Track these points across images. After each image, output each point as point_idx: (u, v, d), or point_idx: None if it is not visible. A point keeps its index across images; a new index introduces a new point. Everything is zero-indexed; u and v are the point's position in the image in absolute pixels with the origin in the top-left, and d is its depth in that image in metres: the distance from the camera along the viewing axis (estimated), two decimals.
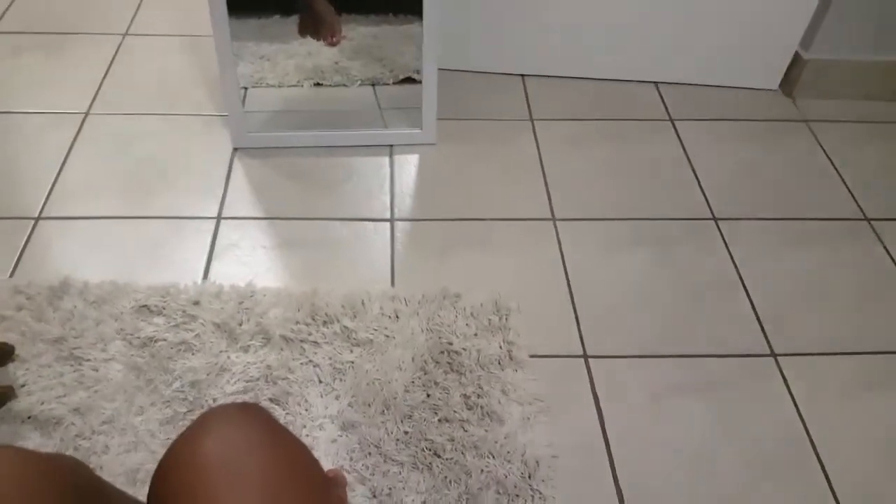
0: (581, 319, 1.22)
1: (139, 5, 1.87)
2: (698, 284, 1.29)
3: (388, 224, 1.37)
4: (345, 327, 1.16)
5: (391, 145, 1.55)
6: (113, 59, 1.69)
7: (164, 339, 1.13)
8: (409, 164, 1.51)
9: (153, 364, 1.10)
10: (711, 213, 1.43)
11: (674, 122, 1.63)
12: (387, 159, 1.52)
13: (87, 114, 1.54)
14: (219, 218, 1.36)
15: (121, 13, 1.83)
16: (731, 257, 1.35)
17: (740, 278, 1.31)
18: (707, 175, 1.51)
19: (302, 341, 1.14)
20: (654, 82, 1.73)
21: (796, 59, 1.68)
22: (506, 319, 1.19)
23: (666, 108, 1.67)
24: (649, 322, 1.23)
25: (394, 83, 1.68)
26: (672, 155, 1.56)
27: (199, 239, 1.32)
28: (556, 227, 1.38)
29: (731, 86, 1.73)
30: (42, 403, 1.05)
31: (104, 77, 1.63)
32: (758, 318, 1.24)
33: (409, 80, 1.68)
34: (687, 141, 1.59)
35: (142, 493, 0.95)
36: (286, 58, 1.70)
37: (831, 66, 1.67)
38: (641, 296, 1.27)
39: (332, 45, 1.76)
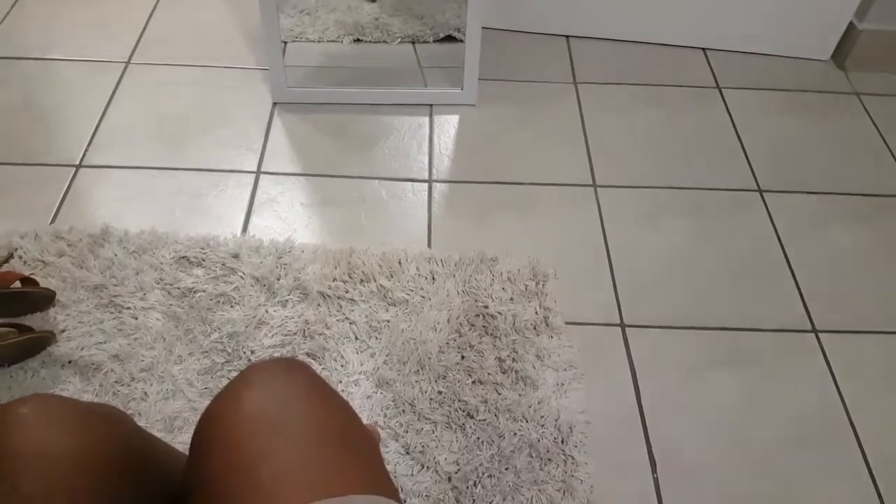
0: (619, 288, 1.21)
1: None
2: (740, 257, 1.27)
3: (426, 185, 1.36)
4: (381, 286, 1.16)
5: (431, 105, 1.52)
6: (154, 7, 1.68)
7: (204, 291, 1.14)
8: (448, 125, 1.49)
9: (192, 314, 1.11)
10: (757, 184, 1.40)
11: (721, 90, 1.59)
12: (426, 119, 1.50)
13: (128, 62, 1.53)
14: (258, 172, 1.35)
15: None
16: (776, 230, 1.31)
17: (784, 252, 1.28)
18: (753, 146, 1.47)
19: (339, 298, 1.15)
20: (702, 48, 1.68)
21: (850, 29, 1.62)
22: (542, 285, 1.18)
23: (713, 75, 1.62)
24: (688, 293, 1.21)
25: (434, 41, 1.65)
26: (718, 124, 1.52)
27: (238, 192, 1.32)
28: (596, 193, 1.36)
29: (782, 55, 1.68)
30: (82, 349, 1.06)
31: (145, 26, 1.63)
32: (800, 294, 1.22)
33: (449, 39, 1.65)
34: (734, 110, 1.54)
35: (178, 439, 0.97)
36: (327, 12, 1.68)
37: (886, 38, 1.60)
38: (681, 266, 1.25)
39: (373, 0, 1.73)
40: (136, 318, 1.10)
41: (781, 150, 1.47)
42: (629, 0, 1.63)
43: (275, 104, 1.49)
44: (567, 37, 1.70)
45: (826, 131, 1.52)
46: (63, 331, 1.09)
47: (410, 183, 1.36)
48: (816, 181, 1.41)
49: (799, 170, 1.43)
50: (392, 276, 1.18)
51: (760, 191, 1.39)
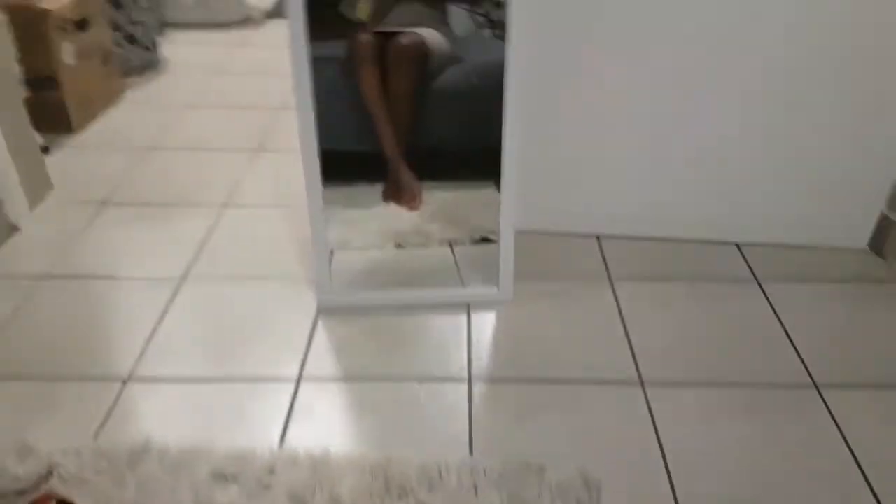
0: (680, 499, 1.12)
1: (239, 179, 2.02)
2: (805, 463, 1.18)
3: (465, 385, 1.34)
4: (420, 501, 1.11)
5: (468, 303, 1.55)
6: (212, 228, 1.81)
7: None
8: (486, 323, 1.50)
9: None
10: (812, 380, 1.34)
11: (760, 283, 1.58)
12: (464, 318, 1.51)
13: (184, 278, 1.63)
14: (298, 380, 1.36)
15: (223, 186, 1.99)
16: (841, 432, 1.23)
17: (854, 458, 1.19)
18: (801, 338, 1.43)
19: None
20: (735, 243, 1.70)
21: (883, 219, 1.63)
22: (597, 499, 1.10)
23: (750, 269, 1.63)
24: (754, 493, 1.11)
25: (471, 243, 1.72)
26: (761, 316, 1.49)
27: (278, 401, 1.32)
28: (644, 391, 1.32)
29: (817, 245, 1.68)
30: None
31: (202, 245, 1.74)
32: (875, 496, 1.11)
33: (485, 240, 1.72)
34: (776, 302, 1.53)
35: None
36: (370, 222, 1.78)
37: None
38: (742, 474, 1.16)
39: (413, 209, 1.83)
40: None
41: (831, 341, 1.42)
42: (657, 199, 1.69)
43: (319, 311, 1.54)
44: (598, 236, 1.75)
45: (875, 321, 1.47)
46: None
47: (450, 384, 1.35)
48: (874, 373, 1.35)
49: (853, 362, 1.37)
50: (432, 488, 1.13)
51: (817, 386, 1.32)
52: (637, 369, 1.37)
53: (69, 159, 2.13)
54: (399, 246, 1.72)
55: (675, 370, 1.36)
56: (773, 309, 1.51)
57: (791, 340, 1.43)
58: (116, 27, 2.58)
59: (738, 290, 1.57)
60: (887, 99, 1.51)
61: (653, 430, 1.24)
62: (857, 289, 1.56)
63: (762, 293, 1.56)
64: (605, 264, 1.66)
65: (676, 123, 1.59)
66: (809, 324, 1.47)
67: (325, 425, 1.27)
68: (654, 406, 1.29)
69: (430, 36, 1.45)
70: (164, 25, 3.06)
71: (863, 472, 1.16)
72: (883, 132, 1.55)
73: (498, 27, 1.36)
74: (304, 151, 1.39)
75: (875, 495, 1.12)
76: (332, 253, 1.69)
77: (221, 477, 1.16)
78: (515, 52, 1.30)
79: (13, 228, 1.79)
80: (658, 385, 1.33)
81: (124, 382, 1.36)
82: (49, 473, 1.17)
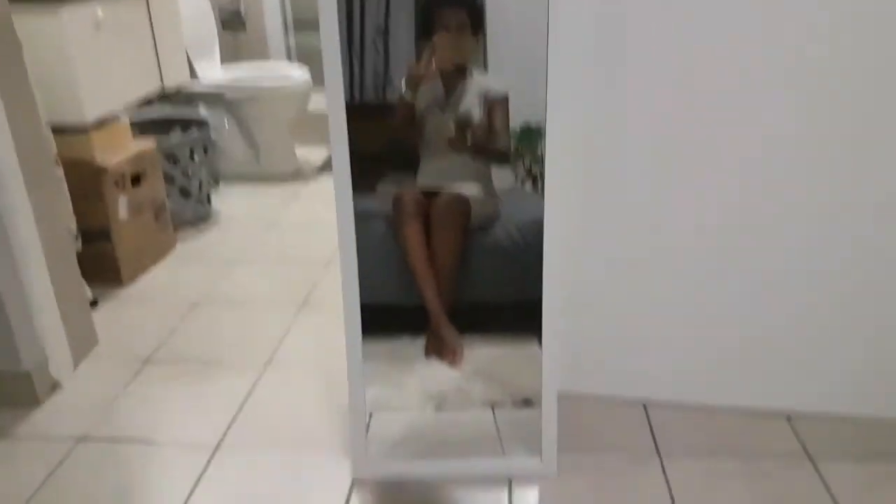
0: None
1: (283, 337, 2.04)
2: None
3: None
4: None
5: (510, 478, 1.49)
6: (251, 391, 1.80)
7: None
8: (528, 502, 1.43)
9: None
10: None
11: (813, 461, 1.49)
12: (505, 494, 1.45)
13: (219, 444, 1.60)
14: None
15: (265, 344, 2.00)
16: None
17: None
18: None
19: None
20: (788, 414, 1.63)
21: None
22: None
23: (802, 443, 1.54)
24: None
25: (513, 405, 1.67)
26: (817, 498, 1.39)
27: None
28: None
29: (873, 416, 1.59)
30: None
31: (239, 410, 1.73)
32: None
33: (527, 402, 1.67)
34: (830, 481, 1.43)
35: None
36: (410, 379, 1.76)
37: None
38: None
39: (455, 365, 1.81)
40: None
41: None
42: (705, 362, 1.64)
43: (354, 482, 1.49)
44: (644, 404, 1.69)
45: None
46: None
47: None
48: None
49: None
50: None
51: None
52: None
53: (116, 313, 2.19)
54: (439, 408, 1.69)
55: None
56: (828, 488, 1.41)
57: None
58: (170, 180, 2.70)
59: (791, 468, 1.48)
60: None
61: None
62: None
63: (815, 473, 1.46)
64: (653, 435, 1.59)
65: (724, 286, 1.57)
66: None
67: None
68: None
69: (473, 192, 1.49)
70: (218, 179, 3.22)
71: None
72: None
73: (539, 182, 1.39)
74: (346, 304, 1.40)
75: None
76: (369, 416, 1.66)
77: None
78: (553, 206, 1.32)
79: (55, 385, 1.81)
80: None
81: None
82: None
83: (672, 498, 1.41)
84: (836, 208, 1.47)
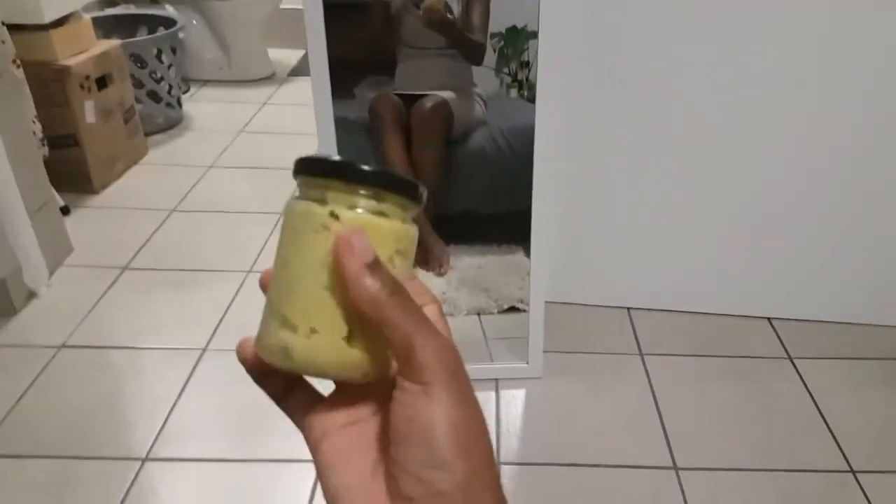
0: None
1: (264, 244, 2.01)
2: None
3: None
4: None
5: (496, 380, 1.51)
6: (235, 296, 1.78)
7: None
8: (515, 401, 1.46)
9: None
10: (849, 465, 1.28)
11: (793, 360, 1.54)
12: (493, 395, 1.47)
13: (204, 350, 1.60)
14: None
15: (247, 251, 1.97)
16: None
17: None
18: (837, 420, 1.38)
19: None
20: (768, 317, 1.66)
21: None
22: None
23: (783, 345, 1.58)
24: None
25: (499, 312, 1.68)
26: (796, 397, 1.44)
27: (302, 484, 1.27)
28: (678, 477, 1.27)
29: (851, 321, 1.64)
30: None
31: (224, 314, 1.72)
32: None
33: (513, 310, 1.68)
34: (809, 381, 1.48)
35: None
36: None
37: None
38: None
39: (441, 275, 1.80)
40: None
41: (870, 426, 1.37)
42: (689, 271, 1.66)
43: None
44: (628, 309, 1.71)
45: None
46: None
47: None
48: None
49: (892, 446, 1.32)
50: None
51: (854, 472, 1.27)
52: (670, 453, 1.32)
53: (90, 221, 2.13)
54: None
55: (709, 454, 1.32)
56: (807, 388, 1.46)
57: (825, 422, 1.38)
58: (139, 84, 2.59)
59: (770, 367, 1.53)
60: None
61: None
62: (892, 368, 1.51)
63: (795, 370, 1.51)
64: (637, 338, 1.62)
65: (708, 198, 1.57)
66: (843, 403, 1.42)
67: None
68: (687, 492, 1.24)
69: (454, 97, 1.44)
70: (188, 83, 3.09)
71: None
72: None
73: (525, 88, 1.35)
74: None
75: None
76: None
77: None
78: (544, 114, 1.28)
79: (31, 294, 1.77)
80: (692, 469, 1.28)
81: (143, 462, 1.32)
82: None
83: (654, 396, 1.45)
84: (818, 121, 1.46)
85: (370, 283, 0.31)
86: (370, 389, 0.36)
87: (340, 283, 0.32)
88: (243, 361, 0.38)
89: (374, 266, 0.32)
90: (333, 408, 0.36)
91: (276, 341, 0.34)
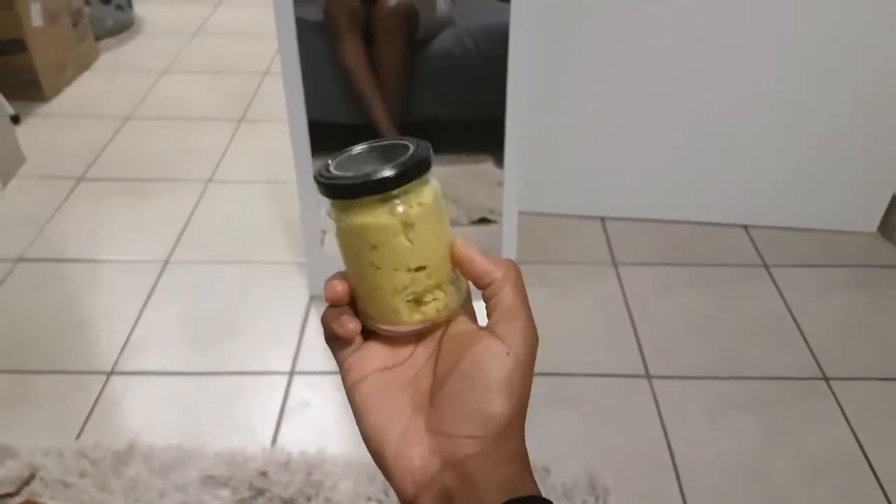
0: (687, 496, 1.09)
1: (224, 152, 1.93)
2: (815, 460, 1.15)
3: None
4: None
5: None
6: (196, 206, 1.72)
7: None
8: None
9: None
10: (822, 372, 1.30)
11: (768, 268, 1.53)
12: None
13: (166, 262, 1.54)
14: (291, 373, 1.30)
15: (206, 160, 1.89)
16: (850, 426, 1.20)
17: (864, 453, 1.16)
18: (811, 328, 1.39)
19: None
20: (743, 225, 1.65)
21: (894, 201, 1.58)
22: (604, 501, 1.07)
23: (758, 253, 1.57)
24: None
25: (469, 223, 1.65)
26: (770, 304, 1.45)
27: (270, 396, 1.26)
28: (651, 385, 1.28)
29: (826, 228, 1.63)
30: None
31: (185, 225, 1.65)
32: (886, 496, 1.09)
33: (484, 221, 1.65)
34: (784, 288, 1.48)
35: None
36: None
37: None
38: (754, 474, 1.13)
39: None
40: None
41: (841, 331, 1.39)
42: (663, 180, 1.62)
43: (312, 298, 1.47)
44: (602, 218, 1.68)
45: (882, 309, 1.43)
46: None
47: None
48: (882, 364, 1.31)
49: (863, 353, 1.34)
50: None
51: (826, 378, 1.29)
52: (643, 361, 1.32)
53: (42, 130, 2.02)
54: None
55: (681, 362, 1.32)
56: (782, 295, 1.46)
57: (799, 329, 1.39)
58: None
59: (746, 274, 1.52)
60: None
61: (660, 428, 1.20)
62: (865, 275, 1.52)
63: (770, 278, 1.51)
64: (610, 248, 1.60)
65: (684, 103, 1.52)
66: (817, 311, 1.43)
67: (319, 423, 1.21)
68: (659, 399, 1.25)
69: None
70: None
71: (871, 467, 1.13)
72: (894, 112, 1.49)
73: None
74: (292, 123, 1.29)
75: (883, 490, 1.10)
76: (323, 233, 1.61)
77: (212, 480, 1.11)
78: (520, 12, 1.20)
79: None
80: (664, 378, 1.29)
81: (107, 376, 1.29)
82: (31, 476, 1.11)
83: (627, 305, 1.45)
84: (792, 25, 1.41)
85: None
86: (404, 339, 0.40)
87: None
88: (332, 298, 0.39)
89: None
90: (371, 354, 0.40)
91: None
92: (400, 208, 0.36)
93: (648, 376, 1.29)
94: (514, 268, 0.40)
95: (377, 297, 0.38)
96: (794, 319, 1.41)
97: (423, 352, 0.40)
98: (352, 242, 0.37)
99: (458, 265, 0.39)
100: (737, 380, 1.29)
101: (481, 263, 0.38)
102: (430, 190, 0.37)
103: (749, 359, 1.33)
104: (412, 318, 0.38)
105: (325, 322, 0.40)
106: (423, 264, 0.37)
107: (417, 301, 0.38)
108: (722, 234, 1.63)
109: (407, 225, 0.36)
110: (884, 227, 1.61)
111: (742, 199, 1.63)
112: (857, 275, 1.52)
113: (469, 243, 0.39)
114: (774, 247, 1.59)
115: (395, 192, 0.36)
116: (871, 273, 1.53)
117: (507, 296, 0.39)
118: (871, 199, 1.60)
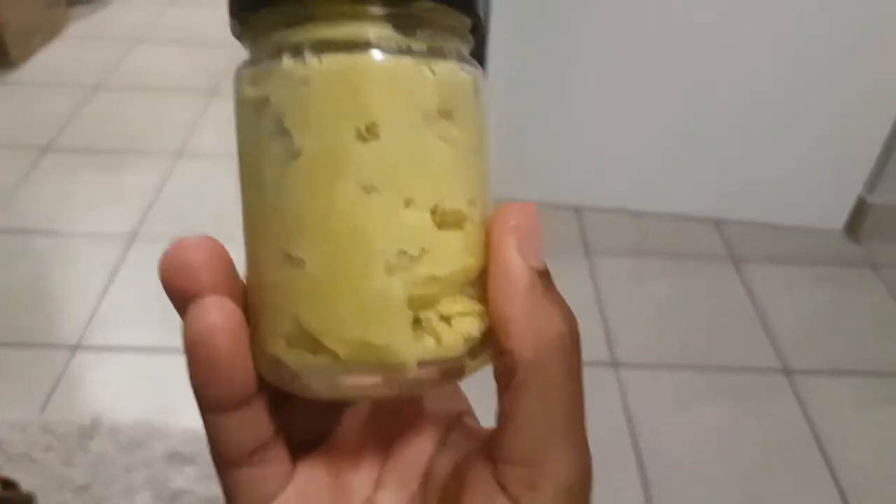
0: (651, 483, 1.12)
1: (195, 124, 1.89)
2: (776, 451, 1.18)
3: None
4: None
5: None
6: (166, 179, 1.69)
7: (193, 491, 1.05)
8: None
9: None
10: (782, 364, 1.33)
11: (737, 262, 1.56)
12: None
13: (135, 235, 1.52)
14: None
15: (176, 132, 1.86)
16: (809, 418, 1.24)
17: (819, 446, 1.20)
18: (777, 321, 1.42)
19: None
20: (715, 219, 1.67)
21: (860, 202, 1.62)
22: None
23: (727, 246, 1.60)
24: (727, 493, 1.11)
25: None
26: (737, 297, 1.48)
27: None
28: (618, 375, 1.30)
29: (794, 224, 1.67)
30: None
31: (155, 198, 1.63)
32: (838, 488, 1.12)
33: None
34: (752, 282, 1.51)
35: None
36: None
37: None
38: (717, 463, 1.16)
39: None
40: None
41: (804, 325, 1.42)
42: (639, 171, 1.64)
43: None
44: (576, 208, 1.70)
45: (848, 305, 1.48)
46: None
47: None
48: (846, 360, 1.35)
49: (825, 347, 1.38)
50: None
51: (787, 371, 1.32)
52: (610, 351, 1.34)
53: (7, 97, 1.96)
54: None
55: (648, 352, 1.35)
56: (749, 288, 1.50)
57: (765, 322, 1.42)
58: None
59: (715, 267, 1.55)
60: (870, 83, 1.48)
61: (624, 415, 1.22)
62: (830, 273, 1.56)
63: (738, 272, 1.54)
64: (583, 238, 1.61)
65: (659, 95, 1.54)
66: (783, 305, 1.46)
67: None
68: (626, 389, 1.27)
69: None
70: None
71: (827, 462, 1.17)
72: (863, 115, 1.52)
73: None
74: None
75: (835, 477, 1.13)
76: None
77: (178, 456, 1.10)
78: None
79: None
80: (630, 367, 1.31)
81: (72, 351, 1.27)
82: None
83: (597, 294, 1.46)
84: (765, 16, 1.42)
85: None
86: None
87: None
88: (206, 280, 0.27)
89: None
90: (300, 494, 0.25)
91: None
92: (431, 64, 0.18)
93: (615, 365, 1.32)
94: (572, 331, 0.22)
95: (342, 273, 0.18)
96: (761, 312, 1.44)
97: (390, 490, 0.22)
98: (319, 118, 0.19)
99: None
100: (702, 370, 1.32)
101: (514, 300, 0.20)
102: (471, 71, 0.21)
103: (714, 350, 1.36)
104: (416, 344, 0.19)
105: (192, 364, 0.20)
106: (469, 200, 0.19)
107: (430, 303, 0.19)
108: (693, 227, 1.66)
109: (446, 94, 0.18)
110: (849, 227, 1.66)
111: (715, 193, 1.65)
112: (822, 272, 1.56)
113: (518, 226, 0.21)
114: (744, 241, 1.62)
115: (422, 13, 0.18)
116: (837, 271, 1.57)
117: (533, 401, 0.21)
118: (838, 198, 1.64)
